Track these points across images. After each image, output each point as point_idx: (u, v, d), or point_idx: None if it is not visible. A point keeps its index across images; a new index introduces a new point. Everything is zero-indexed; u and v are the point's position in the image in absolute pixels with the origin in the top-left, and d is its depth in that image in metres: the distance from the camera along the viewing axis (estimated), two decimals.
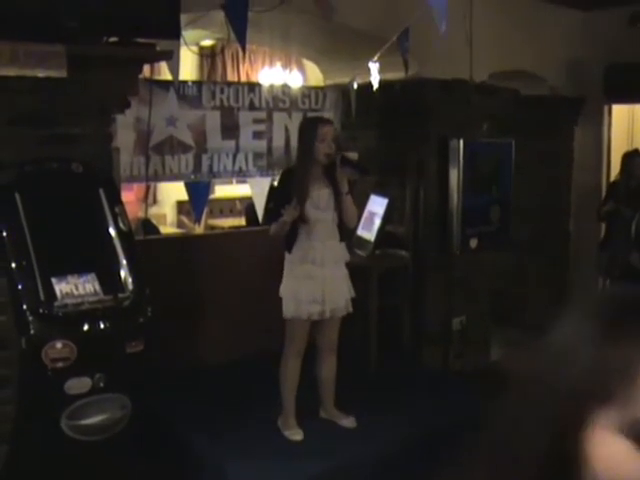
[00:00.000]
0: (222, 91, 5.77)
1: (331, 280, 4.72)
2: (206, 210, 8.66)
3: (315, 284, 4.66)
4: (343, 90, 6.29)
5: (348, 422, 4.98)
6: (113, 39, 4.12)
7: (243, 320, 5.85)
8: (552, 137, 7.96)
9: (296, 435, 4.81)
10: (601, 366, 1.00)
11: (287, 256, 4.73)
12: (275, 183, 5.61)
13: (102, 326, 3.67)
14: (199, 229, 9.12)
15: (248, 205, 8.51)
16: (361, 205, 6.15)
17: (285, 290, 4.72)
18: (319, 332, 4.85)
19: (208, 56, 10.46)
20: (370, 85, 5.90)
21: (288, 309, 4.69)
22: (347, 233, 4.88)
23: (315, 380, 4.96)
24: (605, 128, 8.36)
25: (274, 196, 4.80)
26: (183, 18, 4.39)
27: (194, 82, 5.85)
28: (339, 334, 4.89)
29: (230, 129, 5.83)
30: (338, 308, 4.77)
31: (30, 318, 3.49)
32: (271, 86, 6.26)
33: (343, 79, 6.33)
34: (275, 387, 5.11)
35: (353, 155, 5.99)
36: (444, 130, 6.06)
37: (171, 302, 5.09)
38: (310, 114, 6.18)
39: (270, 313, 5.83)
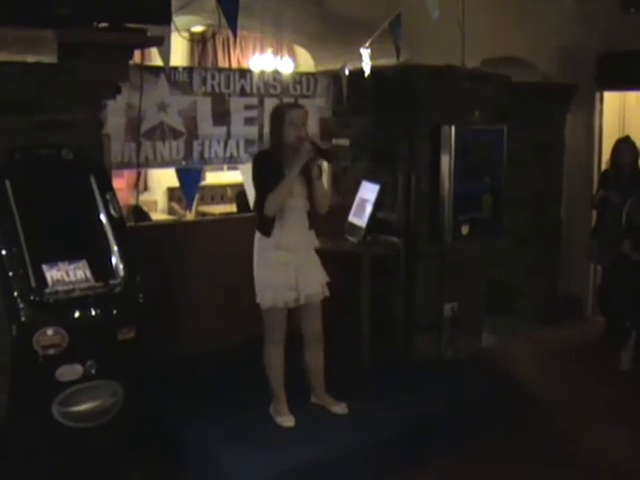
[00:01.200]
0: (213, 77, 5.74)
1: (304, 266, 4.76)
2: (197, 197, 8.65)
3: (288, 270, 4.69)
4: (334, 76, 6.27)
5: (340, 408, 4.99)
6: (103, 24, 4.10)
7: (234, 307, 5.83)
8: (544, 124, 7.95)
9: (288, 422, 4.81)
10: None
11: (259, 244, 4.74)
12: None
13: (93, 313, 3.67)
14: (190, 216, 9.11)
15: (239, 192, 8.51)
16: (352, 191, 6.15)
17: (260, 280, 4.73)
18: (302, 321, 4.86)
19: (199, 42, 10.42)
20: (362, 71, 5.88)
21: (265, 299, 4.70)
22: (316, 220, 4.87)
23: (304, 369, 4.97)
24: (597, 115, 8.35)
25: (260, 176, 4.75)
26: (174, 3, 4.36)
27: (185, 68, 5.81)
28: (325, 320, 4.90)
29: (221, 115, 5.80)
30: (314, 293, 4.79)
31: (21, 305, 3.49)
32: (262, 72, 6.24)
33: (335, 65, 6.31)
34: (265, 377, 5.13)
35: (344, 141, 5.99)
36: (436, 116, 6.05)
37: (162, 288, 5.07)
38: (301, 100, 6.15)
39: None
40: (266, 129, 6.03)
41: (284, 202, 4.63)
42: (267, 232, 4.68)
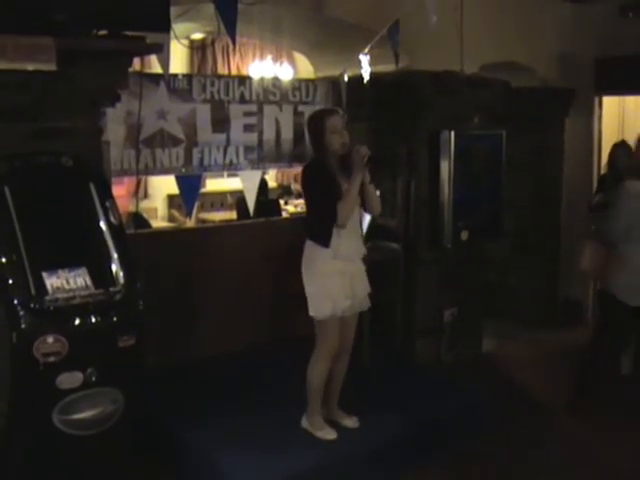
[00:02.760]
0: (212, 84, 5.75)
1: (356, 274, 4.76)
2: (197, 204, 8.66)
3: (344, 279, 4.65)
4: (334, 83, 6.28)
5: (351, 422, 4.95)
6: (103, 32, 4.10)
7: (235, 313, 5.84)
8: (543, 129, 7.97)
9: (331, 434, 4.76)
10: None
11: (314, 254, 4.64)
12: (268, 177, 5.49)
13: (93, 320, 3.66)
14: (190, 223, 9.12)
15: (239, 198, 8.50)
16: None
17: (316, 289, 4.63)
18: (340, 330, 4.75)
19: (198, 49, 10.45)
20: (361, 77, 5.90)
21: (322, 309, 4.60)
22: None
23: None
24: (595, 120, 8.36)
25: (316, 188, 4.69)
26: (173, 11, 4.37)
27: (184, 75, 5.82)
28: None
29: (221, 122, 5.81)
30: (362, 303, 4.80)
31: (21, 313, 3.48)
32: (261, 79, 6.24)
33: (334, 72, 6.32)
34: (267, 380, 5.13)
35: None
36: (435, 122, 6.05)
37: (162, 296, 5.08)
38: (301, 107, 6.17)
39: (261, 307, 5.86)
40: (266, 136, 6.05)
41: (353, 211, 4.63)
42: (327, 243, 4.60)
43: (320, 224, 4.62)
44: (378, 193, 4.90)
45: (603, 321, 5.97)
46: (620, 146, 7.19)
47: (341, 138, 4.63)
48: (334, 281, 4.62)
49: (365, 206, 4.80)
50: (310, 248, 4.68)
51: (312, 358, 4.73)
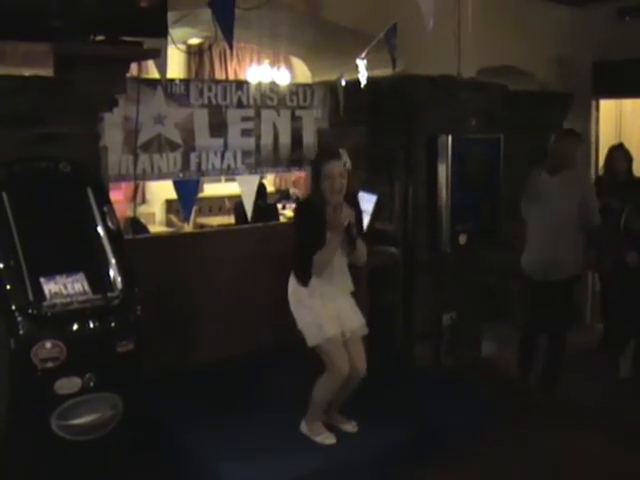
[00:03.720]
0: (210, 89, 5.75)
1: (343, 311, 4.78)
2: (195, 209, 8.66)
3: (328, 309, 4.68)
4: (331, 87, 6.28)
5: (350, 427, 4.96)
6: (100, 38, 4.10)
7: (232, 319, 5.83)
8: (541, 132, 7.96)
9: (330, 439, 4.77)
10: None
11: (294, 288, 4.74)
12: (266, 181, 5.50)
13: (91, 325, 3.67)
14: (188, 228, 9.11)
15: (237, 203, 8.51)
16: None
17: (304, 319, 4.70)
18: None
19: (196, 54, 10.45)
20: (358, 82, 5.90)
21: (312, 336, 4.65)
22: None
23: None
24: (593, 123, 8.37)
25: (302, 228, 4.75)
26: (170, 16, 4.37)
27: (182, 80, 5.81)
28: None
29: (218, 127, 5.81)
30: (357, 328, 4.81)
31: (19, 318, 3.48)
32: (259, 84, 6.24)
33: (331, 76, 6.32)
34: (266, 384, 5.12)
35: (341, 152, 5.98)
36: (432, 126, 6.06)
37: (160, 301, 5.07)
38: (298, 112, 6.17)
39: (259, 312, 5.84)
40: (264, 140, 6.06)
41: (330, 263, 4.66)
42: (304, 283, 4.69)
43: (300, 263, 4.69)
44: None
45: None
46: (617, 149, 7.20)
47: (333, 186, 4.60)
48: (318, 310, 4.66)
49: (351, 257, 4.81)
50: (293, 281, 4.79)
51: (322, 377, 4.73)
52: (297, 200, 5.06)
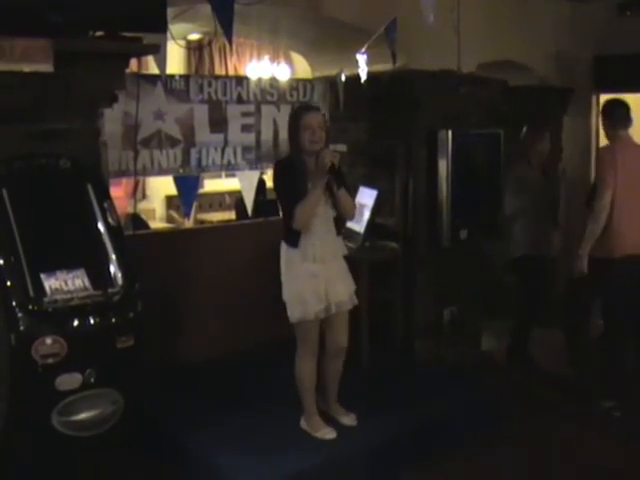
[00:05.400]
0: (210, 84, 5.75)
1: (333, 276, 4.64)
2: (195, 204, 8.65)
3: (318, 282, 4.56)
4: (331, 82, 6.28)
5: (349, 420, 4.91)
6: (99, 33, 4.10)
7: (234, 314, 5.84)
8: (541, 127, 7.96)
9: (330, 434, 4.72)
10: None
11: (287, 256, 4.60)
12: (266, 177, 5.47)
13: (92, 321, 3.66)
14: (188, 223, 9.11)
15: (237, 199, 8.50)
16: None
17: (289, 293, 4.59)
18: (327, 331, 4.72)
19: (195, 50, 10.43)
20: (358, 77, 5.90)
21: (294, 312, 4.56)
22: (343, 225, 4.80)
23: (321, 375, 4.85)
24: (593, 118, 8.37)
25: (281, 187, 4.61)
26: (170, 12, 4.37)
27: (182, 76, 5.81)
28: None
29: (218, 123, 5.81)
30: (343, 302, 4.68)
31: (19, 314, 3.49)
32: (259, 79, 6.24)
33: (331, 71, 6.32)
34: (266, 380, 5.11)
35: (341, 147, 5.98)
36: (432, 121, 6.05)
37: (161, 297, 5.07)
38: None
39: (260, 306, 5.85)
40: (264, 136, 6.06)
41: (312, 215, 4.50)
42: (294, 243, 4.53)
43: (287, 223, 4.54)
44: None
45: None
46: None
47: (312, 136, 4.50)
48: (305, 284, 4.54)
49: (338, 210, 4.64)
50: (283, 249, 4.64)
51: (295, 358, 4.71)
52: (275, 162, 4.92)
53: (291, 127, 4.64)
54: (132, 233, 5.39)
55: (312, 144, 4.50)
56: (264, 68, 11.40)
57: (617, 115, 5.90)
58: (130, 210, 7.04)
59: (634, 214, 5.62)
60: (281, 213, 4.72)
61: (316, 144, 4.51)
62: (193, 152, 5.69)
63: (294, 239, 4.53)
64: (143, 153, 5.41)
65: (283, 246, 4.64)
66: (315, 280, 4.55)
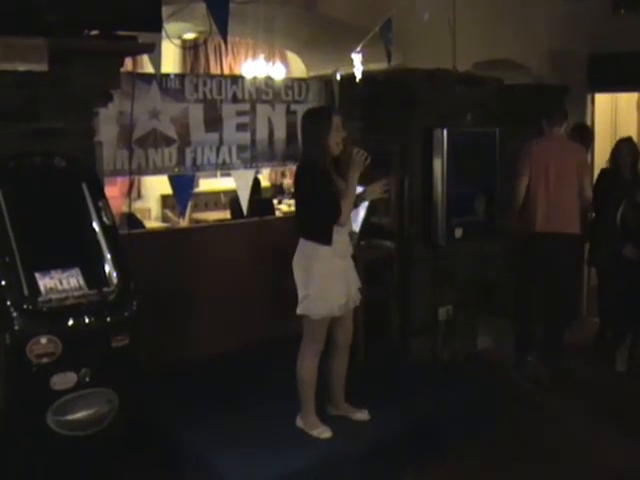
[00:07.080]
0: (205, 84, 5.74)
1: (350, 271, 4.76)
2: (190, 204, 8.64)
3: (341, 278, 4.65)
4: (326, 81, 6.28)
5: (362, 415, 4.95)
6: (94, 32, 4.09)
7: (228, 313, 5.84)
8: (536, 126, 7.96)
9: (326, 433, 4.73)
10: None
11: (315, 253, 4.58)
12: (261, 176, 5.45)
13: (87, 321, 3.66)
14: (184, 223, 9.11)
15: (233, 198, 8.49)
16: None
17: (316, 290, 4.57)
18: (337, 327, 4.76)
19: (191, 49, 10.44)
20: (353, 76, 5.90)
21: (319, 309, 4.57)
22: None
23: (326, 375, 4.88)
24: (589, 116, 8.38)
25: (315, 191, 4.62)
26: (165, 10, 4.36)
27: (177, 75, 5.81)
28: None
29: (213, 122, 5.80)
30: (357, 297, 4.80)
31: (14, 314, 3.47)
32: (254, 78, 6.24)
33: (326, 70, 6.33)
34: (264, 379, 5.11)
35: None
36: (428, 120, 6.05)
37: (156, 296, 5.07)
38: (293, 106, 6.17)
39: (256, 306, 5.85)
40: (259, 135, 6.04)
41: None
42: (329, 241, 4.55)
43: (321, 223, 4.57)
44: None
45: None
46: (624, 142, 7.17)
47: (339, 137, 4.61)
48: (333, 281, 4.59)
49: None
50: (306, 248, 4.62)
51: (299, 356, 4.72)
52: (297, 168, 4.93)
53: (318, 126, 4.64)
54: (127, 232, 5.39)
55: (338, 145, 4.62)
56: (259, 67, 11.39)
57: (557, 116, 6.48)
58: (125, 209, 7.04)
59: (545, 198, 6.27)
60: (308, 214, 4.68)
61: (339, 145, 4.62)
62: (188, 151, 5.68)
63: (329, 237, 4.57)
64: (138, 152, 5.40)
65: (306, 245, 4.63)
66: (343, 275, 4.66)
